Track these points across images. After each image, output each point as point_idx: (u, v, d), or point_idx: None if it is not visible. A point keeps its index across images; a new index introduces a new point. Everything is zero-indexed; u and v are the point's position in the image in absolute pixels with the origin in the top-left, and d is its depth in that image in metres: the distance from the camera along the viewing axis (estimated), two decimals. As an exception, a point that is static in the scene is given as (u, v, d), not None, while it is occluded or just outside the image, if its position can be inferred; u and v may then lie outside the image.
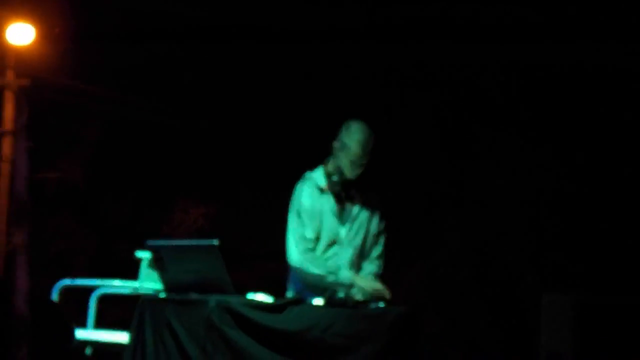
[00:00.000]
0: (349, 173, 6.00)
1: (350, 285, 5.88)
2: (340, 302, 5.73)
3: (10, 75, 16.43)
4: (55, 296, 6.54)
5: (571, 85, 16.34)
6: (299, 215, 6.07)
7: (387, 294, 5.85)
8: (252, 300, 5.69)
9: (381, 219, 6.18)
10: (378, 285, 5.89)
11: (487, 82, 16.88)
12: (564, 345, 6.28)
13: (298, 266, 6.01)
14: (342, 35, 16.68)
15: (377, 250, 6.17)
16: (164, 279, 5.86)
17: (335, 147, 6.06)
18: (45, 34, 16.32)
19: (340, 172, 6.05)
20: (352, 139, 5.99)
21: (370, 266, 6.13)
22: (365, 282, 5.92)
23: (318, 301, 5.79)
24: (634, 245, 15.66)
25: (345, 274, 5.92)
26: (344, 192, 6.09)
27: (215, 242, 5.69)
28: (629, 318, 6.19)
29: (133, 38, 17.50)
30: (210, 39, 17.39)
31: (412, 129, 17.13)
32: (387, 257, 6.24)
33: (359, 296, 5.82)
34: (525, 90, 16.79)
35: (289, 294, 6.13)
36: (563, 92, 16.51)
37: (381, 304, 5.84)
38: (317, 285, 5.94)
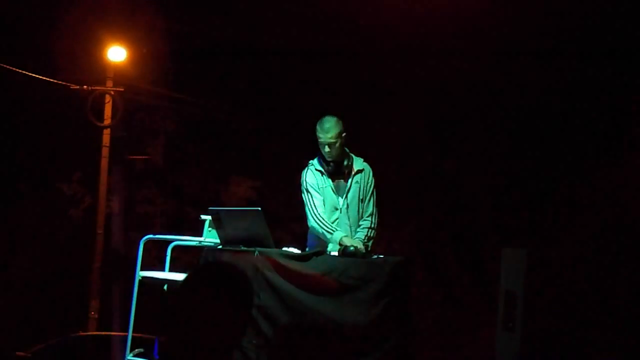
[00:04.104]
0: (326, 154, 5.94)
1: (338, 243, 5.77)
2: (351, 253, 5.65)
3: (109, 84, 16.48)
4: (140, 247, 6.48)
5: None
6: (308, 191, 6.01)
7: (361, 250, 5.71)
8: (286, 251, 5.66)
9: (369, 185, 6.05)
10: (356, 243, 5.73)
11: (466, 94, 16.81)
12: (517, 286, 6.25)
13: (314, 227, 5.98)
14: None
15: (368, 210, 6.03)
16: (221, 235, 5.82)
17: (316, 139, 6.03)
18: (135, 54, 16.38)
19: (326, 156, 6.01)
20: (318, 128, 5.93)
21: (365, 222, 6.00)
22: (349, 240, 5.77)
23: (334, 252, 5.75)
24: (568, 211, 15.62)
25: (338, 235, 5.83)
26: (337, 173, 6.00)
27: (259, 209, 5.67)
28: (564, 265, 6.20)
29: (198, 56, 17.58)
30: (256, 58, 17.42)
31: (407, 128, 17.09)
32: (383, 218, 6.12)
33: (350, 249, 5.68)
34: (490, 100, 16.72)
35: (307, 248, 6.07)
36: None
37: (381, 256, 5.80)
38: (325, 240, 5.90)
